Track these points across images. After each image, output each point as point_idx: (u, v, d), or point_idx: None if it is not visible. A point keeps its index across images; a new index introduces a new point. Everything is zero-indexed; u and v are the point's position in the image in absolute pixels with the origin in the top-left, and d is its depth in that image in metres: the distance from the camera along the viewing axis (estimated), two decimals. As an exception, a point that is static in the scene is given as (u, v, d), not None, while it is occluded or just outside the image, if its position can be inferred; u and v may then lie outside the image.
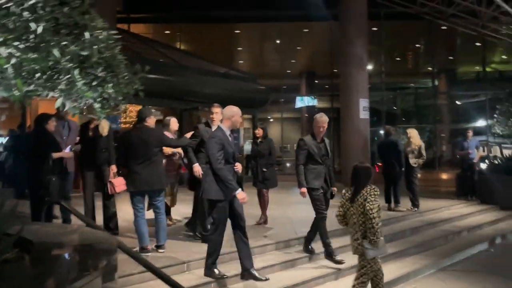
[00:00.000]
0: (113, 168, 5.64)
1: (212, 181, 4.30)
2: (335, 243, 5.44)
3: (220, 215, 4.36)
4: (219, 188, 4.27)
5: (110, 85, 2.41)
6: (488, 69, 18.53)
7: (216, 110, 5.43)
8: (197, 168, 5.30)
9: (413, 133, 8.67)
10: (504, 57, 19.68)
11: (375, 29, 16.14)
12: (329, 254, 5.20)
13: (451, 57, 21.02)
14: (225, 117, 4.54)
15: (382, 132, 17.22)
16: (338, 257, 5.17)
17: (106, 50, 2.44)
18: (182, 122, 14.60)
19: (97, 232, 3.41)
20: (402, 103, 21.57)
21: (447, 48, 20.04)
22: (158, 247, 4.86)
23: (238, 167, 4.56)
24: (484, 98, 17.59)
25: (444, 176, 15.74)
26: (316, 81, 20.07)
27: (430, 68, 19.08)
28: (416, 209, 8.40)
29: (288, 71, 18.79)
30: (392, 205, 8.36)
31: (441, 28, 15.73)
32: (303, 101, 20.08)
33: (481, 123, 18.99)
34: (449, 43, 19.62)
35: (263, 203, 6.78)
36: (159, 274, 3.06)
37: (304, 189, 5.15)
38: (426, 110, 20.97)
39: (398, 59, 20.82)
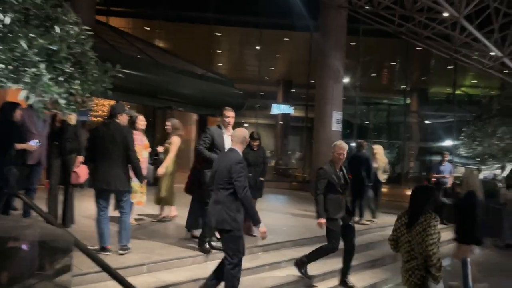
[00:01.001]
0: (80, 158, 5.54)
1: (225, 209, 3.93)
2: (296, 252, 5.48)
3: (239, 246, 3.99)
4: (235, 218, 3.93)
5: (77, 81, 2.36)
6: (458, 92, 19.17)
7: (232, 114, 5.41)
8: None
9: (379, 150, 8.85)
10: (473, 81, 20.42)
11: (353, 43, 16.46)
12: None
13: (424, 77, 21.64)
14: (237, 141, 4.26)
15: (353, 144, 17.55)
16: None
17: (76, 46, 2.39)
18: (155, 120, 14.49)
19: (54, 228, 3.33)
20: (374, 118, 22.05)
21: (420, 68, 20.64)
22: (121, 247, 4.77)
23: None
24: (452, 119, 18.20)
25: (409, 192, 16.11)
26: (293, 90, 20.27)
27: (403, 86, 19.60)
28: (375, 220, 8.59)
29: (266, 78, 18.90)
30: (356, 218, 8.50)
31: (416, 49, 16.19)
32: (279, 108, 20.23)
33: (447, 143, 19.64)
34: (423, 64, 20.21)
35: None
36: (113, 274, 3.01)
37: (323, 220, 4.97)
38: (396, 126, 21.51)
39: (373, 75, 21.27)
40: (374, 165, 8.63)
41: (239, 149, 4.23)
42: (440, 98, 22.35)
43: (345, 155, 5.14)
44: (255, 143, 6.56)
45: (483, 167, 12.18)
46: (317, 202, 5.01)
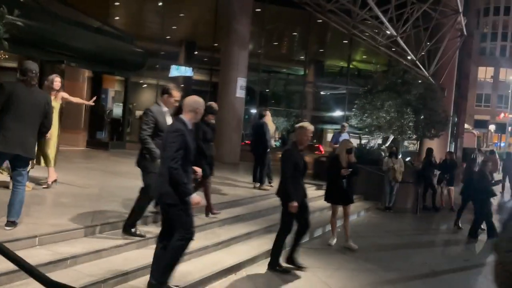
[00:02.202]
0: None
1: (168, 181, 3.62)
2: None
3: (184, 221, 3.72)
4: (173, 191, 3.63)
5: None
6: (351, 66, 20.44)
7: (179, 94, 4.80)
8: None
9: (269, 117, 9.05)
10: (364, 57, 21.93)
11: (258, 10, 16.43)
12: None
13: (321, 50, 22.63)
14: (188, 109, 3.80)
15: (254, 111, 17.87)
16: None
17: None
18: (42, 75, 13.00)
19: None
20: (274, 86, 22.61)
21: (319, 41, 21.50)
22: (8, 223, 4.17)
23: (198, 172, 4.48)
24: (345, 91, 19.45)
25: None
26: (196, 52, 19.71)
27: (302, 57, 20.28)
28: (273, 184, 8.89)
29: (167, 37, 18.03)
30: (257, 184, 8.74)
31: (317, 21, 16.75)
32: (179, 70, 19.56)
33: (339, 113, 21.08)
34: (322, 37, 21.07)
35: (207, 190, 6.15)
36: None
37: (296, 203, 4.87)
38: (294, 95, 22.37)
39: (275, 43, 21.61)
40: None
41: (187, 118, 3.79)
42: (334, 70, 23.64)
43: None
44: (212, 118, 6.09)
45: (370, 137, 13.33)
46: (287, 186, 4.94)
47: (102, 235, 4.73)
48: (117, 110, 14.80)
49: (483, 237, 8.43)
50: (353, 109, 13.44)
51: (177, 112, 4.50)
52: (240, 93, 12.80)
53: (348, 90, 19.00)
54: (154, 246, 4.02)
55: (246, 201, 7.62)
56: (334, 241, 6.67)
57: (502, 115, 44.69)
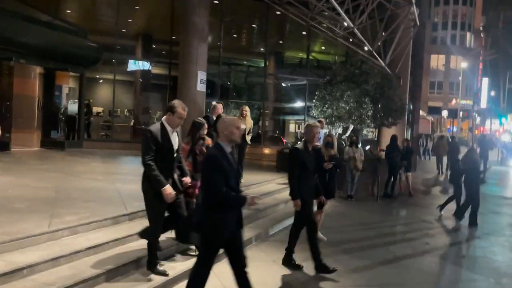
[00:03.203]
0: None
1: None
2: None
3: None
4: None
5: None
6: (310, 57, 20.61)
7: (183, 112, 4.17)
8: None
9: (248, 112, 9.09)
10: (323, 48, 22.18)
11: (216, 1, 16.22)
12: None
13: (281, 41, 22.68)
14: (222, 132, 3.49)
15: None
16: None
17: None
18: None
19: None
20: (235, 79, 22.48)
21: (278, 33, 21.51)
22: None
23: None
24: (305, 82, 19.63)
25: (267, 151, 17.13)
26: (154, 46, 19.23)
27: (262, 49, 20.25)
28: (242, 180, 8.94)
29: (123, 31, 17.46)
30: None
31: (276, 13, 16.74)
32: (137, 65, 19.07)
33: (299, 104, 21.27)
34: (281, 28, 21.09)
35: None
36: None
37: (299, 202, 5.02)
38: (255, 87, 22.35)
39: (235, 35, 21.45)
40: (243, 126, 8.87)
41: (224, 142, 3.49)
42: (294, 62, 23.76)
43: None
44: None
45: (331, 127, 13.53)
46: (291, 183, 5.05)
47: (61, 240, 4.54)
48: (73, 107, 14.22)
49: (436, 223, 8.79)
50: (314, 100, 13.58)
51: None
52: (201, 87, 12.63)
53: (309, 81, 19.17)
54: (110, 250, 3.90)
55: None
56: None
57: (453, 101, 46.72)
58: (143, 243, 4.41)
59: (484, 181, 14.74)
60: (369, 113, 12.43)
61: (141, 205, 5.85)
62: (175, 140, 4.20)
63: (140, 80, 19.57)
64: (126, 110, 20.77)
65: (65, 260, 4.15)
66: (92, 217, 5.19)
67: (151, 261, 4.27)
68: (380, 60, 14.35)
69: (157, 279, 4.23)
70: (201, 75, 12.56)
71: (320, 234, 6.61)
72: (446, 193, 11.59)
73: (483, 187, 12.03)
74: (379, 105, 12.68)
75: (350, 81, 12.70)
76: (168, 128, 4.14)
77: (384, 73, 13.97)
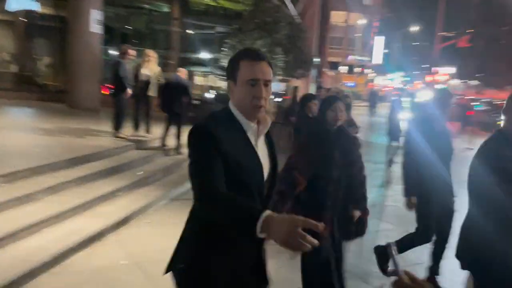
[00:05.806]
0: None
1: None
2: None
3: None
4: None
5: None
6: (218, 5, 19.54)
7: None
8: None
9: (154, 58, 8.26)
10: (233, -6, 21.14)
11: None
12: None
13: (186, -15, 21.10)
14: None
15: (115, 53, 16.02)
16: None
17: None
18: None
19: None
20: (136, 23, 20.65)
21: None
22: None
23: None
24: (213, 31, 18.66)
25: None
26: (37, -20, 16.54)
27: (165, -8, 18.67)
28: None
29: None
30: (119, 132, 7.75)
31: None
32: (19, 3, 16.33)
33: (208, 55, 20.32)
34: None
35: None
36: None
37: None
38: (159, 35, 20.77)
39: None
40: (148, 73, 8.08)
41: None
42: (201, 9, 22.42)
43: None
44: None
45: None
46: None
47: None
48: None
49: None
50: (223, 49, 12.88)
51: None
52: (95, 28, 11.11)
53: (217, 29, 18.24)
54: None
55: (110, 153, 6.64)
56: None
57: (350, 57, 49.19)
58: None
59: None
60: (280, 64, 12.13)
61: (22, 163, 4.85)
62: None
63: (24, 20, 16.90)
64: (6, 54, 17.95)
65: None
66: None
67: None
68: (293, 7, 13.98)
69: None
70: (95, 14, 11.02)
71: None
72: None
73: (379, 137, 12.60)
74: (291, 56, 12.41)
75: (261, 29, 12.17)
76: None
77: (295, 24, 13.67)
